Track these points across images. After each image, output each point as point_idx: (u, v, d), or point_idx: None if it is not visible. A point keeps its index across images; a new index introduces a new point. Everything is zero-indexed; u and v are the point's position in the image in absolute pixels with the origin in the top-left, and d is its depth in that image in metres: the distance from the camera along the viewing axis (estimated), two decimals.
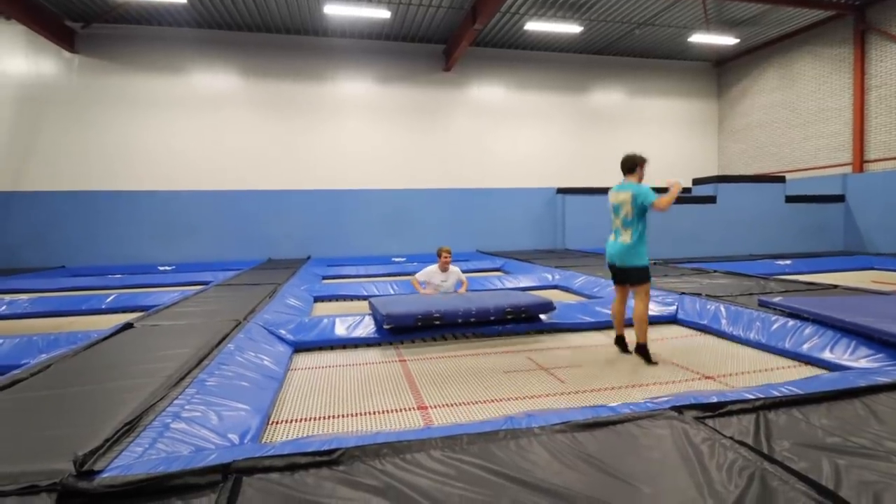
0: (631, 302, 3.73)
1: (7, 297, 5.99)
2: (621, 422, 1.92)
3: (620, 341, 3.72)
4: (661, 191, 3.58)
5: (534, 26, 10.67)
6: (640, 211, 3.50)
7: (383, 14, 9.65)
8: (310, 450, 1.64)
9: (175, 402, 2.14)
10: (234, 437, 1.98)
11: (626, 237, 3.50)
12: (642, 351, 3.46)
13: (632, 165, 3.63)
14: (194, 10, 9.97)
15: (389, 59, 11.90)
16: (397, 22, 10.78)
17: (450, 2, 9.87)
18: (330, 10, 9.34)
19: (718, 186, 9.44)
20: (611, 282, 5.79)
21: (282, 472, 1.56)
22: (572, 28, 10.78)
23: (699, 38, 11.35)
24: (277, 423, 2.47)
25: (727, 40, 11.64)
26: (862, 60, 10.53)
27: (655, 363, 3.39)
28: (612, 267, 3.73)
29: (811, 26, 11.43)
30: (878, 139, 10.36)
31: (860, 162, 10.62)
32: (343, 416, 2.58)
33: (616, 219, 3.62)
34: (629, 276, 3.57)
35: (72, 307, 5.57)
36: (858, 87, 10.55)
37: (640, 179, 3.62)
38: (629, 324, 3.69)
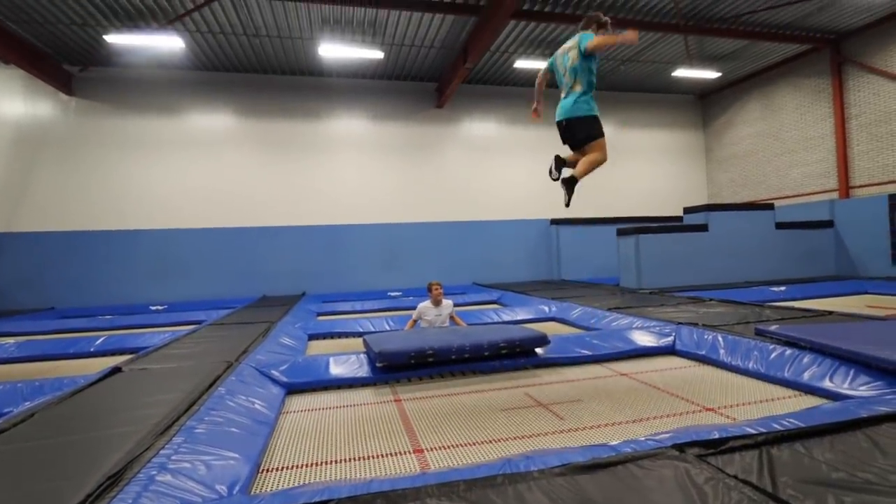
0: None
1: None
2: (622, 462, 1.87)
3: (560, 162, 3.56)
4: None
5: (523, 64, 10.99)
6: (586, 60, 3.27)
7: (377, 55, 9.92)
8: (300, 502, 1.57)
9: (161, 452, 2.07)
10: (223, 489, 1.91)
11: (576, 87, 3.29)
12: (570, 182, 3.27)
13: (586, 23, 3.45)
14: (191, 53, 10.21)
15: (383, 97, 12.17)
16: (391, 62, 11.07)
17: (441, 42, 10.18)
18: (324, 51, 9.60)
19: (709, 215, 9.54)
20: (609, 313, 5.78)
21: None
22: None
23: (682, 72, 11.70)
24: (268, 471, 2.39)
25: (709, 74, 12.01)
26: (840, 90, 10.87)
27: (568, 205, 3.25)
28: (560, 125, 3.52)
29: (790, 59, 11.83)
30: (862, 165, 10.58)
31: (846, 188, 10.82)
32: (337, 461, 2.50)
33: (565, 74, 3.42)
34: (578, 131, 3.30)
35: (59, 350, 5.46)
36: (839, 116, 10.85)
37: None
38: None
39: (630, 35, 3.34)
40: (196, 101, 11.23)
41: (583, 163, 3.46)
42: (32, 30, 8.99)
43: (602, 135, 3.36)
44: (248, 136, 11.47)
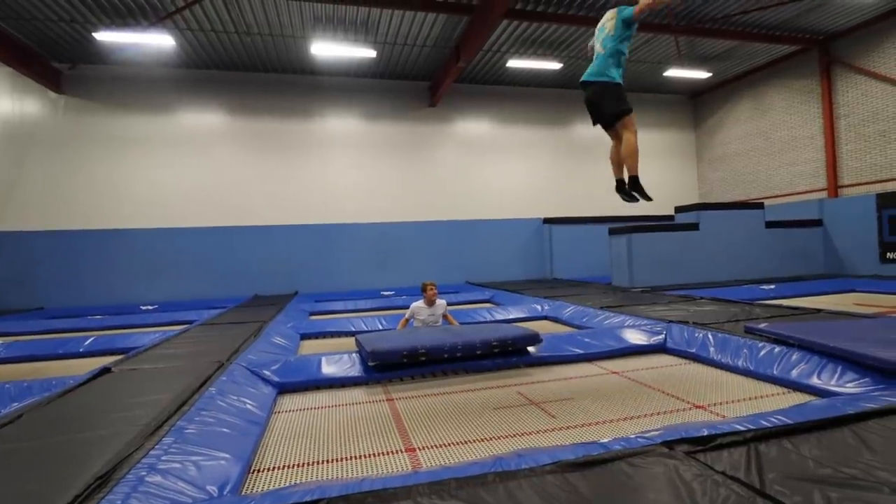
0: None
1: None
2: (612, 460, 1.88)
3: (621, 185, 3.75)
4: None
5: (515, 63, 11.01)
6: (622, 30, 3.43)
7: (369, 53, 9.90)
8: (291, 501, 1.57)
9: (151, 452, 2.06)
10: (213, 489, 1.90)
11: (602, 51, 3.49)
12: (636, 184, 3.44)
13: None
14: (182, 51, 10.13)
15: (376, 95, 12.14)
16: (383, 60, 11.05)
17: (434, 41, 10.17)
18: (317, 49, 9.56)
19: (700, 214, 9.61)
20: (601, 312, 5.80)
21: None
22: (552, 65, 11.13)
23: (674, 72, 11.77)
24: (259, 471, 2.38)
25: (700, 74, 12.10)
26: (829, 91, 10.98)
27: (650, 199, 3.42)
28: (585, 90, 3.67)
29: (779, 60, 11.94)
30: (850, 165, 10.71)
31: (835, 187, 10.94)
32: (328, 461, 2.50)
33: (598, 42, 3.61)
34: (605, 104, 3.45)
35: (48, 351, 5.40)
36: (827, 117, 10.97)
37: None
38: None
39: None
40: (187, 99, 11.15)
41: (626, 157, 3.64)
42: (20, 27, 8.88)
43: (630, 110, 3.52)
44: (239, 135, 11.40)
